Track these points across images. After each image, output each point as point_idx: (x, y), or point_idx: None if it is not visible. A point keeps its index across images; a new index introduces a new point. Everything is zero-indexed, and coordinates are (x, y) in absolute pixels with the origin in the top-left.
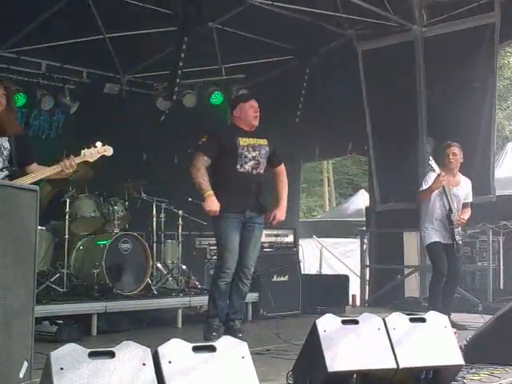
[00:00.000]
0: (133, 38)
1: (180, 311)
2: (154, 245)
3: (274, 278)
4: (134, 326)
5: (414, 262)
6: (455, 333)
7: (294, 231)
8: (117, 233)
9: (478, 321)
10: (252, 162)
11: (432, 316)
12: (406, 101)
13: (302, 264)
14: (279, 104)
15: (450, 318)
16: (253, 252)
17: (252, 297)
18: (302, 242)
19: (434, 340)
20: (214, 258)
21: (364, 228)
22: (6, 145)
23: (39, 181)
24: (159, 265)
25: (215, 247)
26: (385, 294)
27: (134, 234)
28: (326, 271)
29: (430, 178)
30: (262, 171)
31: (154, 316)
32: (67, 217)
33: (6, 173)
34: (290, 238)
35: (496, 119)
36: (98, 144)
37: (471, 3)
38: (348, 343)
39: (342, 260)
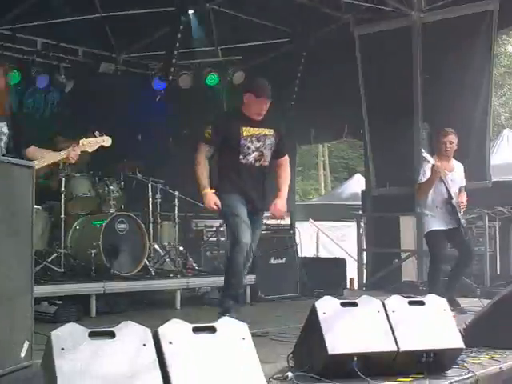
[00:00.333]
0: (129, 18)
1: (179, 293)
2: (151, 226)
3: (272, 260)
4: (132, 308)
5: (411, 246)
6: (454, 316)
7: (291, 214)
8: (113, 213)
9: (476, 305)
10: (255, 154)
11: (431, 299)
12: (402, 86)
13: (298, 247)
14: (275, 86)
15: (455, 299)
16: (254, 242)
17: (250, 279)
18: (298, 224)
19: (434, 323)
20: (211, 239)
21: (360, 212)
22: (5, 130)
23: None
24: (156, 246)
25: (212, 229)
26: (382, 277)
27: (131, 214)
28: (322, 254)
29: (428, 168)
30: (265, 163)
31: (152, 297)
32: (63, 196)
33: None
34: (287, 221)
35: (492, 106)
36: (97, 133)
37: None
38: (348, 326)
39: (339, 243)
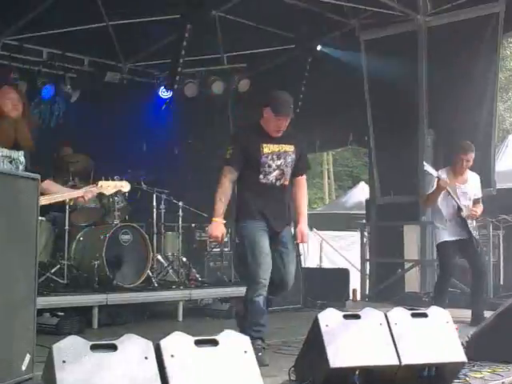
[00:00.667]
0: (134, 27)
1: (181, 304)
2: (154, 236)
3: None
4: (134, 319)
5: (414, 256)
6: (456, 328)
7: (294, 224)
8: (117, 224)
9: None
10: (276, 173)
11: (434, 311)
12: (408, 92)
13: (302, 257)
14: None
15: (482, 314)
16: (290, 267)
17: None
18: None
19: (436, 336)
20: (215, 250)
21: (364, 221)
22: (22, 159)
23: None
24: (159, 257)
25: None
26: (385, 288)
27: (134, 225)
28: (326, 264)
29: (435, 180)
30: (286, 182)
31: (155, 309)
32: (67, 207)
33: None
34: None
35: (497, 111)
36: (116, 178)
37: None
38: (350, 338)
39: (342, 253)
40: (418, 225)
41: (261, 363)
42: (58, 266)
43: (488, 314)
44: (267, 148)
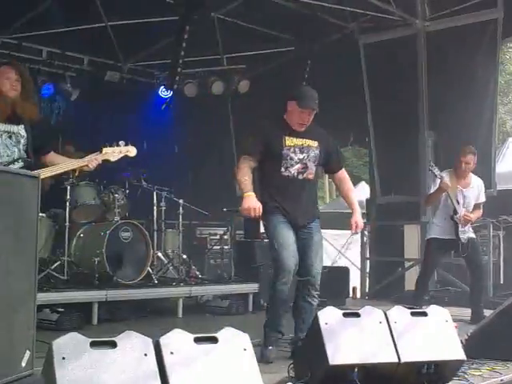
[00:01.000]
0: (135, 26)
1: (181, 301)
2: (155, 233)
3: None
4: (134, 316)
5: (415, 255)
6: (456, 326)
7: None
8: (117, 221)
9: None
10: (298, 166)
11: (433, 310)
12: (408, 94)
13: None
14: (279, 95)
15: (483, 313)
16: (315, 259)
17: (252, 288)
18: None
19: (436, 334)
20: (215, 247)
21: (364, 220)
22: (23, 133)
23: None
24: (160, 254)
25: (216, 236)
26: (385, 286)
27: (135, 222)
28: (326, 263)
29: (438, 181)
30: (310, 176)
31: (155, 305)
32: (67, 204)
33: (21, 164)
34: None
35: (497, 114)
36: (121, 143)
37: None
38: (349, 336)
39: (342, 252)
40: (418, 224)
41: (266, 359)
42: (59, 263)
43: (488, 312)
44: (290, 141)
